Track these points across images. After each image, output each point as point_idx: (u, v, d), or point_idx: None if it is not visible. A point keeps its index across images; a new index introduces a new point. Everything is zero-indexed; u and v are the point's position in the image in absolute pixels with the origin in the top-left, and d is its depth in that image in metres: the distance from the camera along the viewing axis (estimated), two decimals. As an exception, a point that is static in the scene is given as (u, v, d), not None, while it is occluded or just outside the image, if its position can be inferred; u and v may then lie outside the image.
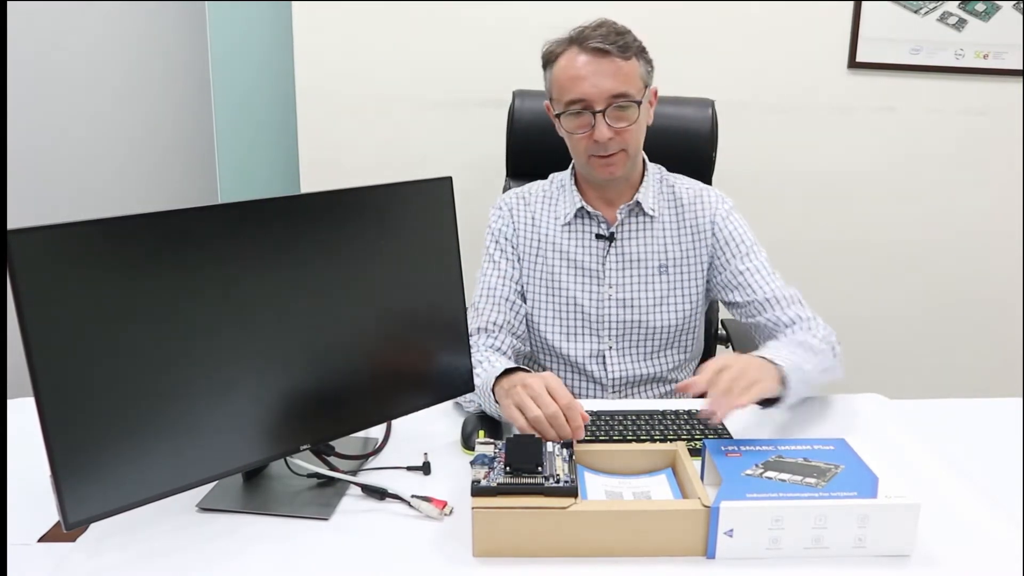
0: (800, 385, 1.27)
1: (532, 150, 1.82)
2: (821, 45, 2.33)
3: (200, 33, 2.56)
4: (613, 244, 1.52)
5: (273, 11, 2.51)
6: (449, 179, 1.21)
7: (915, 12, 2.30)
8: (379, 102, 2.33)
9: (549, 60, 1.46)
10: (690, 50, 2.29)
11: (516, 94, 1.84)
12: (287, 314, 1.07)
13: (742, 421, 1.33)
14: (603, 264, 1.52)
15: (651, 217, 1.52)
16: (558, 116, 1.46)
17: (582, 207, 1.51)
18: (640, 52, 1.44)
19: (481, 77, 2.29)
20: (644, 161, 1.55)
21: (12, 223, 0.86)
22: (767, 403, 1.27)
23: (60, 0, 1.95)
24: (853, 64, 2.34)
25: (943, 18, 2.31)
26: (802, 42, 2.33)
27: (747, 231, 1.53)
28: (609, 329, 1.53)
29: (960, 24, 2.32)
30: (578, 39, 1.41)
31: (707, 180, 1.77)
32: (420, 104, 2.33)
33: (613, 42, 1.39)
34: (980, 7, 2.31)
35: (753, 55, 2.33)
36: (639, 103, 1.41)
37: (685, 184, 1.56)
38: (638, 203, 1.51)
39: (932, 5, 2.30)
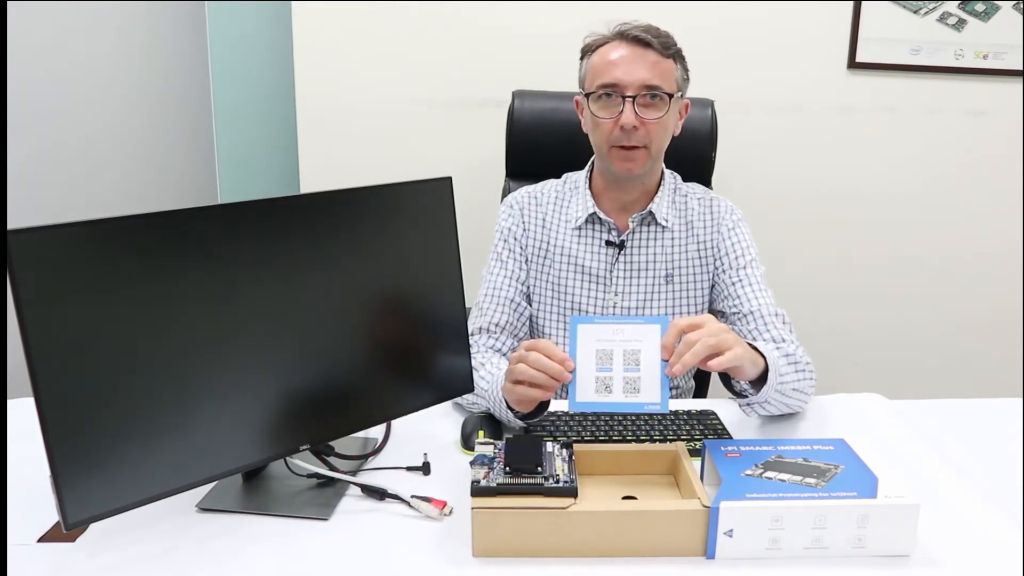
0: (773, 391, 1.22)
1: (532, 150, 1.82)
2: (821, 45, 2.33)
3: (200, 33, 2.56)
4: (622, 252, 1.50)
5: (273, 11, 2.51)
6: (449, 179, 1.21)
7: (915, 12, 2.30)
8: (378, 102, 2.32)
9: (589, 49, 1.45)
10: (689, 50, 2.28)
11: (516, 94, 1.84)
12: (287, 314, 1.07)
13: (742, 421, 1.33)
14: (611, 271, 1.51)
15: (663, 227, 1.50)
16: (587, 98, 1.43)
17: (594, 212, 1.50)
18: (680, 56, 1.44)
19: (481, 77, 2.29)
20: (662, 170, 1.53)
21: (12, 223, 0.86)
22: (735, 393, 1.26)
23: (60, 0, 1.95)
24: (853, 64, 2.34)
25: (943, 18, 2.31)
26: (802, 42, 2.33)
27: (750, 244, 1.51)
28: None
29: (960, 24, 2.32)
30: (621, 32, 1.41)
31: (706, 180, 1.77)
32: (420, 104, 2.33)
33: (656, 36, 1.40)
34: (980, 7, 2.31)
35: (753, 55, 2.33)
36: (671, 97, 1.40)
37: (697, 194, 1.55)
38: (651, 213, 1.49)
39: (932, 5, 2.30)
